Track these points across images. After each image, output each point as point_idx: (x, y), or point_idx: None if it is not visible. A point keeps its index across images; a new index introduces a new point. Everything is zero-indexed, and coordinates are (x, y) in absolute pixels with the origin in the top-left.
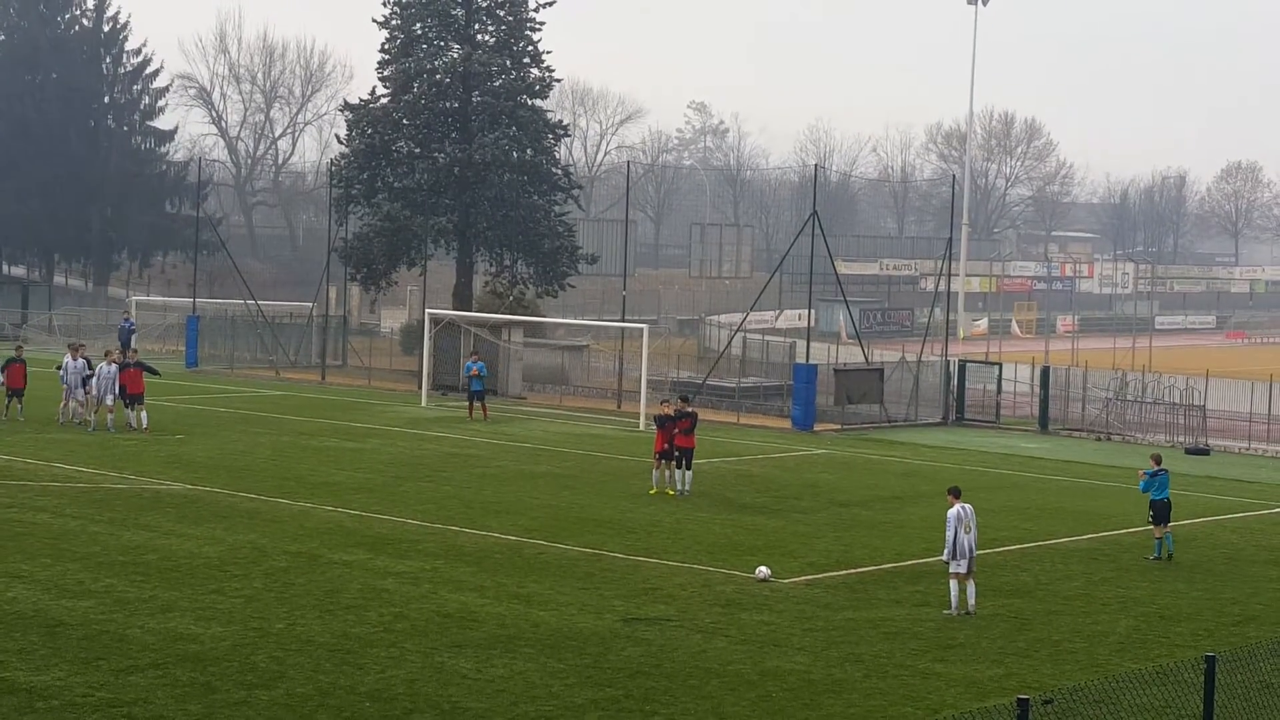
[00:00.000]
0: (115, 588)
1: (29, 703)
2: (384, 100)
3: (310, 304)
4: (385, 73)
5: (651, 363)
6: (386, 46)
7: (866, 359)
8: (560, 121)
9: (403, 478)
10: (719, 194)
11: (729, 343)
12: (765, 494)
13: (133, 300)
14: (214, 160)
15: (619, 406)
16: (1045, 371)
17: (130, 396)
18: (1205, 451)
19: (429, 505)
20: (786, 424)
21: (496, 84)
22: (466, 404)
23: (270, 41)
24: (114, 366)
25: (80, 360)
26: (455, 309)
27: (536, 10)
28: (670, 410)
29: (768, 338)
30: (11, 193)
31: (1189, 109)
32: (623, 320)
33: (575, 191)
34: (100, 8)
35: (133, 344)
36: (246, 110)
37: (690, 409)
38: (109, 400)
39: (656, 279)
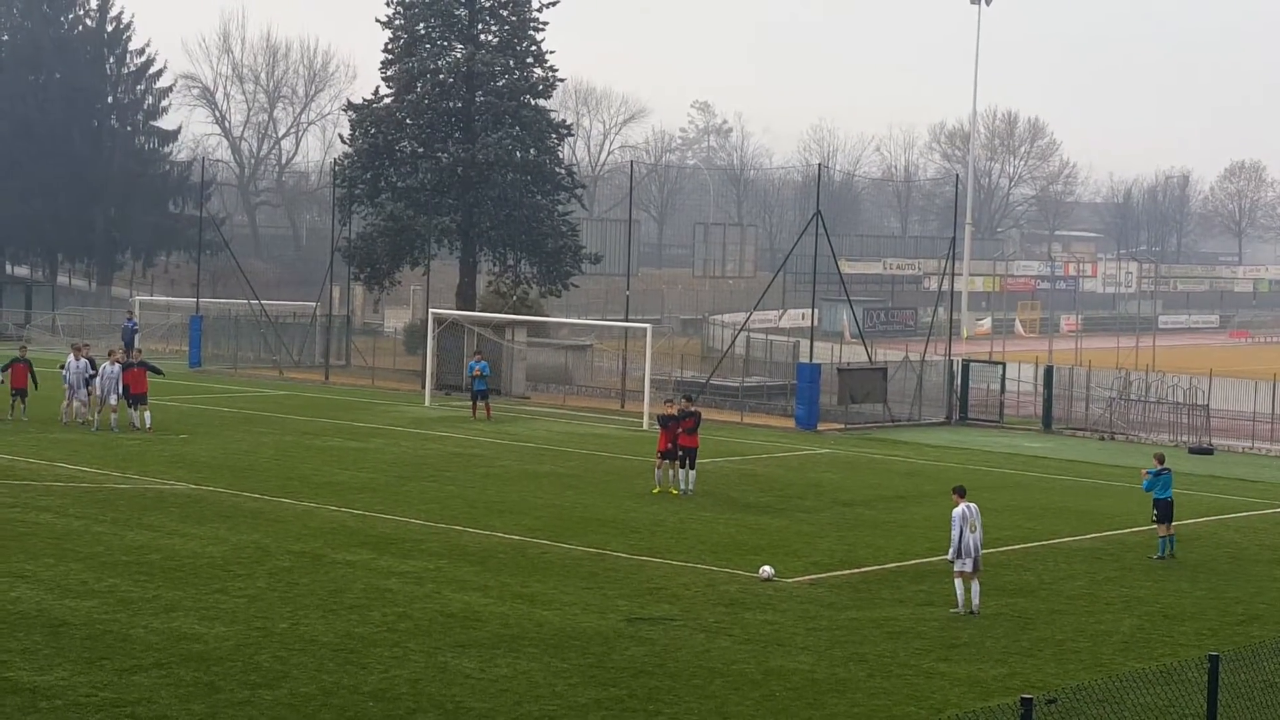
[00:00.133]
0: (119, 587)
1: (32, 702)
2: (387, 100)
3: (314, 304)
4: (389, 72)
5: (655, 362)
6: (390, 46)
7: (870, 358)
8: (563, 121)
9: (406, 477)
10: (722, 193)
11: (732, 342)
12: (769, 493)
13: (136, 300)
14: (217, 160)
15: (622, 406)
16: (1049, 371)
17: (133, 396)
18: (1209, 451)
19: (432, 505)
20: (790, 423)
21: (500, 84)
22: (470, 404)
23: (274, 41)
24: (117, 366)
25: (83, 360)
26: (459, 309)
27: (540, 10)
28: (674, 410)
29: (771, 337)
30: (15, 193)
31: (1192, 108)
32: (626, 320)
33: (579, 191)
34: (104, 8)
35: (136, 344)
36: (250, 110)
37: (694, 408)
38: (112, 400)
39: (660, 279)
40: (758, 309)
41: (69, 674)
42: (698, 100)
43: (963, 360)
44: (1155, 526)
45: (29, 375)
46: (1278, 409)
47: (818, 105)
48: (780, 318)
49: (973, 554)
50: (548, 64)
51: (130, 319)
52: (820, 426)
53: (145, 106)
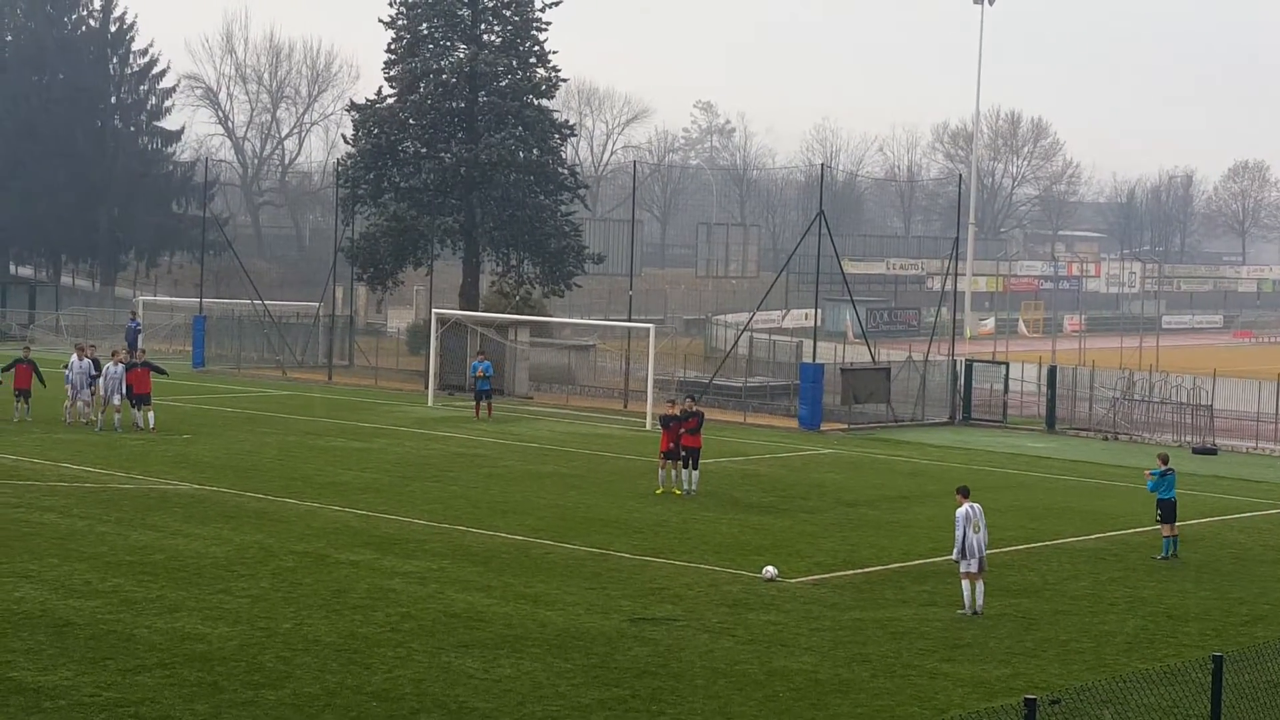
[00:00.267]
0: (122, 588)
1: (36, 702)
2: (390, 100)
3: (317, 304)
4: (392, 73)
5: (658, 362)
6: (393, 46)
7: (873, 358)
8: (566, 121)
9: (410, 478)
10: (725, 193)
11: (735, 342)
12: (772, 494)
13: (140, 300)
14: (220, 160)
15: (625, 406)
16: (1052, 371)
17: (137, 396)
18: (1212, 451)
19: (436, 505)
20: (793, 423)
21: (503, 84)
22: (473, 404)
23: (277, 42)
24: (121, 366)
25: (87, 360)
26: (462, 309)
27: (543, 10)
28: (676, 410)
29: (774, 337)
30: (18, 193)
31: (1196, 108)
32: (629, 320)
33: (582, 191)
34: (107, 8)
35: (140, 344)
36: (253, 110)
37: (696, 409)
38: (116, 400)
39: (663, 278)
40: (761, 309)
41: (73, 674)
42: (700, 100)
43: (966, 360)
44: (1159, 527)
45: (33, 375)
46: None
47: (821, 105)
48: (783, 318)
49: (977, 554)
50: (550, 64)
51: (134, 319)
52: (823, 427)
53: (149, 107)
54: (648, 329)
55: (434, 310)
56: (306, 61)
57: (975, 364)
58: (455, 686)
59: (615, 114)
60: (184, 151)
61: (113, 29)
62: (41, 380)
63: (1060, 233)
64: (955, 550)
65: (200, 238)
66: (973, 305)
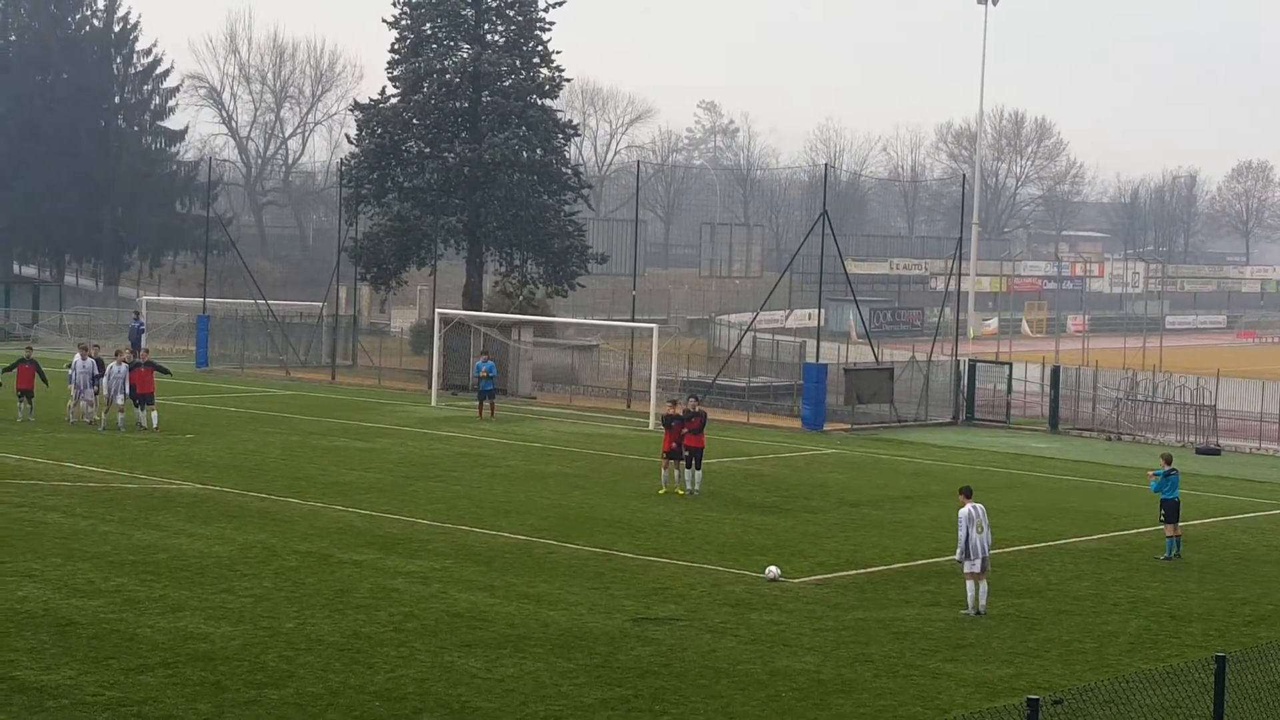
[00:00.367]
0: (125, 587)
1: (39, 701)
2: (394, 100)
3: (320, 304)
4: (395, 73)
5: (661, 362)
6: (396, 46)
7: (876, 359)
8: (570, 121)
9: (413, 477)
10: (729, 193)
11: (739, 342)
12: (775, 494)
13: (143, 300)
14: (224, 160)
15: (629, 406)
16: (1055, 371)
17: (140, 396)
18: (1216, 451)
19: (439, 505)
20: (796, 423)
21: (506, 84)
22: (476, 404)
23: (280, 41)
24: (124, 366)
25: (90, 360)
26: (465, 309)
27: (546, 10)
28: (679, 410)
29: (778, 337)
30: (22, 193)
31: (1199, 108)
32: (633, 320)
33: (585, 191)
34: (110, 8)
35: (143, 344)
36: (256, 110)
37: (699, 408)
38: (119, 400)
39: (666, 278)
40: (764, 309)
41: (75, 673)
42: (704, 100)
43: (969, 360)
44: (1163, 527)
45: (36, 375)
46: None
47: (824, 105)
48: (786, 318)
49: (980, 554)
50: (554, 64)
51: (137, 319)
52: (826, 427)
53: (152, 106)
54: (651, 329)
55: (437, 310)
56: (310, 61)
57: (979, 364)
58: (458, 686)
59: (619, 114)
60: (188, 151)
61: (116, 29)
62: (44, 379)
63: (1064, 233)
64: (958, 550)
65: (204, 237)
66: (976, 305)
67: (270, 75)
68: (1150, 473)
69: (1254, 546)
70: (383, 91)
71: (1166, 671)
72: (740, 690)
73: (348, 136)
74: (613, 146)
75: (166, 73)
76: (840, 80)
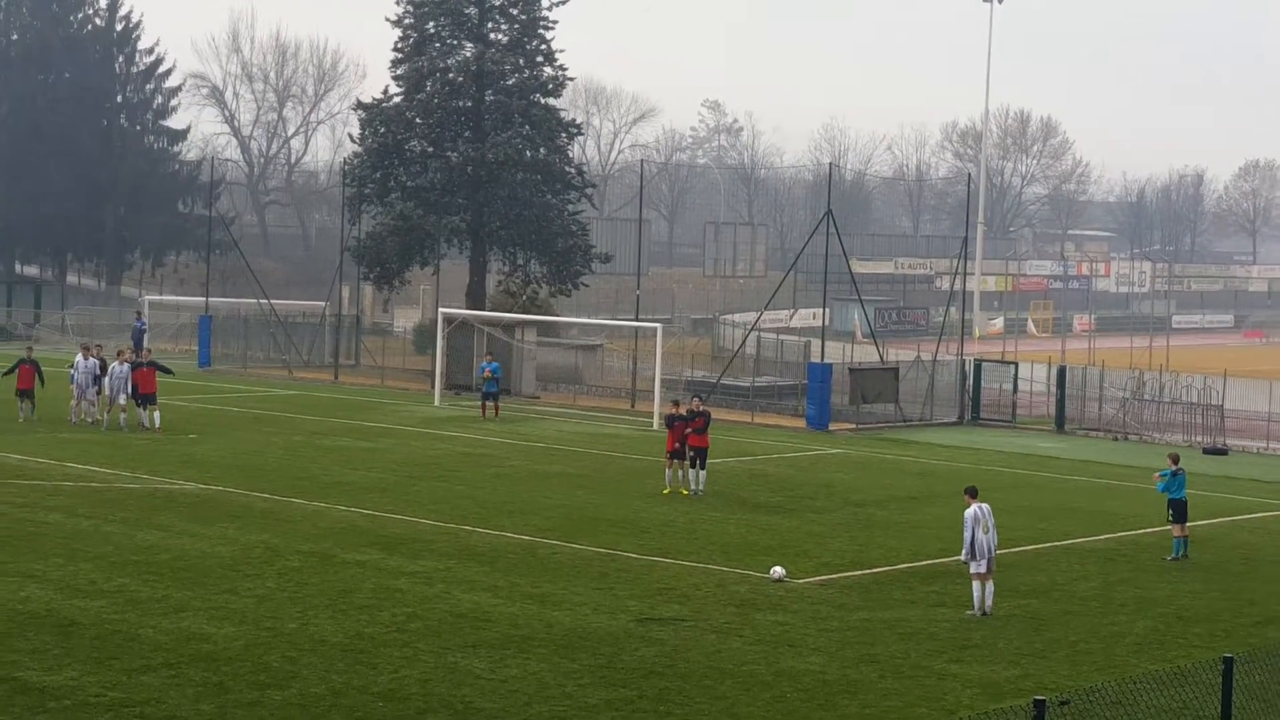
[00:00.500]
0: (128, 587)
1: (41, 702)
2: (397, 99)
3: (323, 303)
4: (398, 71)
5: (665, 362)
6: (399, 45)
7: (881, 358)
8: (573, 120)
9: (416, 477)
10: (733, 193)
11: (743, 342)
12: (780, 494)
13: (145, 300)
14: (227, 159)
15: (633, 406)
16: (1061, 371)
17: (143, 396)
18: (1223, 451)
19: (442, 505)
20: (801, 423)
21: (509, 83)
22: (479, 404)
23: (283, 40)
24: (126, 366)
25: (92, 360)
26: (468, 308)
27: (549, 9)
28: (682, 410)
29: (782, 337)
30: (24, 192)
31: (1206, 107)
32: (637, 319)
33: (589, 190)
34: (113, 7)
35: (145, 344)
36: (259, 109)
37: (703, 408)
38: (121, 400)
39: (670, 278)
40: (769, 308)
41: (78, 674)
42: (708, 99)
43: (975, 360)
44: (1170, 527)
45: (35, 375)
46: None
47: (829, 104)
48: (791, 317)
49: (986, 555)
50: (557, 63)
51: (139, 319)
52: (831, 426)
53: (154, 106)
54: (655, 328)
55: (440, 310)
56: (313, 60)
57: (984, 364)
58: (462, 687)
59: (622, 113)
60: (190, 151)
61: (118, 28)
62: (41, 380)
63: (1070, 232)
64: (964, 551)
65: (206, 237)
66: (982, 305)
67: (273, 74)
68: (1156, 474)
69: (1261, 547)
70: (385, 90)
71: (1173, 672)
72: (745, 691)
73: (350, 136)
74: (616, 146)
75: (169, 72)
76: (845, 79)
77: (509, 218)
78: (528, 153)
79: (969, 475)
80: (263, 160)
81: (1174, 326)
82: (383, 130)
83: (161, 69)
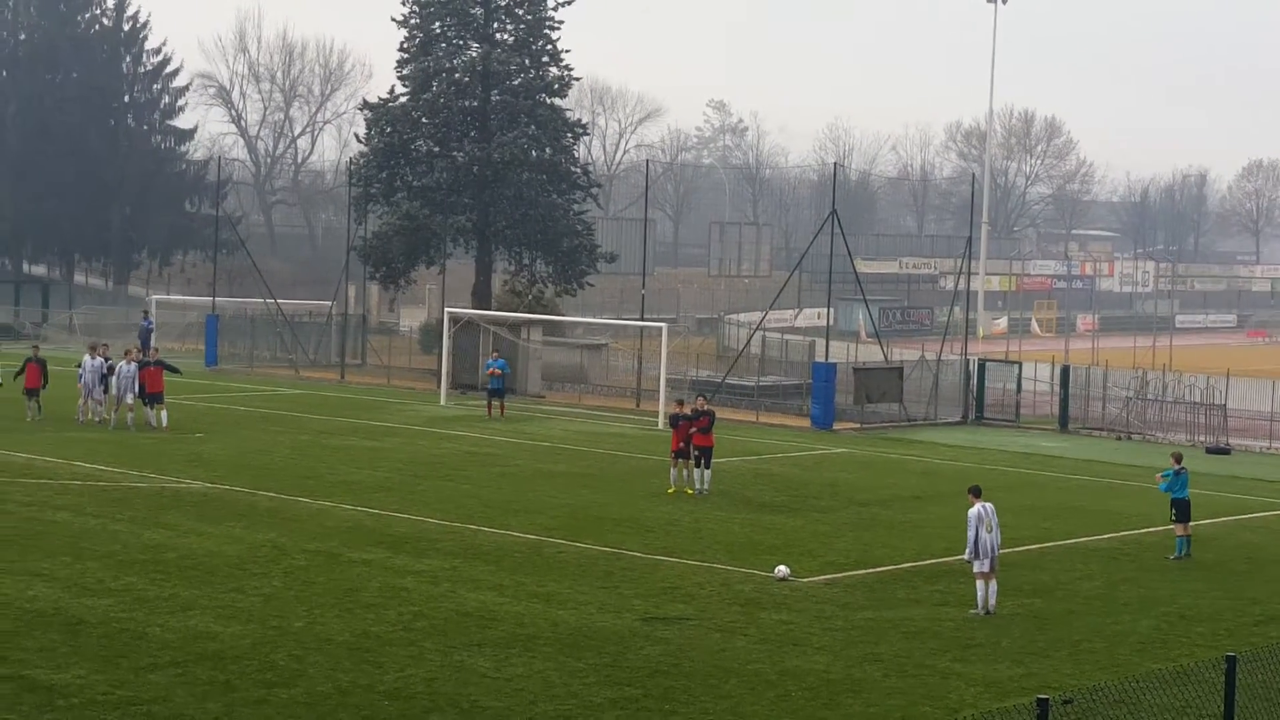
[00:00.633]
0: (135, 586)
1: (49, 700)
2: (403, 99)
3: (329, 303)
4: (404, 71)
5: (670, 361)
6: (405, 45)
7: (886, 358)
8: (579, 120)
9: (422, 476)
10: (738, 193)
11: (748, 341)
12: (784, 493)
13: (152, 299)
14: (233, 159)
15: (638, 405)
16: (1065, 370)
17: (150, 395)
18: (1226, 451)
19: (448, 504)
20: (806, 423)
21: (515, 83)
22: (485, 403)
23: (290, 40)
24: (134, 365)
25: (99, 359)
26: (474, 308)
27: (555, 9)
28: (687, 409)
29: (787, 336)
30: (32, 192)
31: (1209, 107)
32: (642, 319)
33: (594, 190)
34: (120, 7)
35: (152, 343)
36: (266, 109)
37: (708, 407)
38: (129, 399)
39: (675, 278)
40: (773, 308)
41: (86, 672)
42: (713, 99)
43: (979, 360)
44: (1173, 526)
45: (42, 374)
46: None
47: (833, 104)
48: (796, 317)
49: (990, 554)
50: (563, 63)
51: (146, 318)
52: (836, 426)
53: (162, 106)
54: (660, 328)
55: (446, 309)
56: (319, 60)
57: (988, 363)
58: (467, 685)
59: (628, 113)
60: (197, 150)
61: (126, 28)
62: (45, 378)
63: (1074, 232)
64: (968, 550)
65: (213, 237)
66: (986, 304)
67: (279, 74)
68: (1158, 475)
69: (1264, 546)
70: (392, 90)
71: (1176, 671)
72: (750, 690)
73: (357, 135)
74: (622, 145)
75: (176, 72)
76: (849, 79)
77: (515, 217)
78: (533, 152)
79: (973, 475)
80: (269, 160)
81: (1177, 326)
82: (389, 130)
83: (169, 69)
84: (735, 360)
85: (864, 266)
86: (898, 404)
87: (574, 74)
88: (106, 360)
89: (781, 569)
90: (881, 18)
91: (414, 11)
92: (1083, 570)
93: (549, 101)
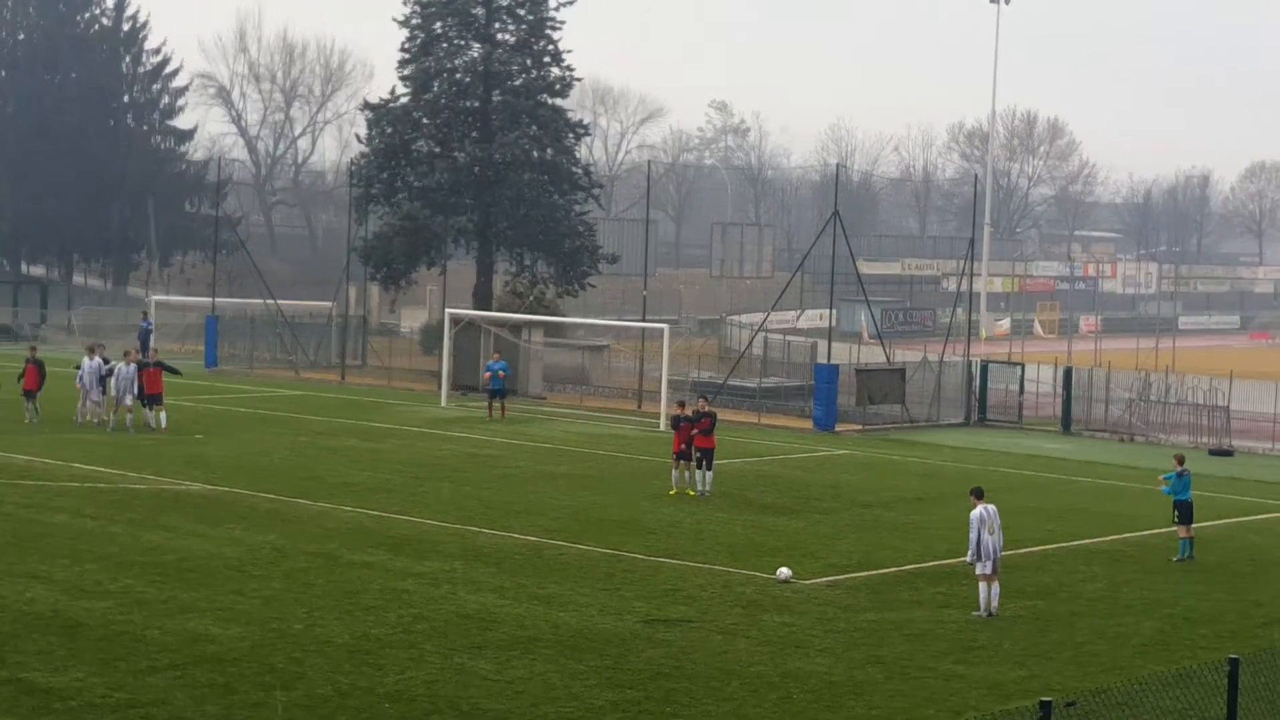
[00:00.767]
0: (134, 588)
1: (47, 704)
2: (404, 99)
3: (330, 304)
4: (405, 72)
5: (672, 363)
6: (406, 45)
7: (888, 359)
8: (580, 121)
9: (422, 478)
10: (740, 193)
11: (750, 343)
12: (786, 495)
13: (152, 300)
14: (233, 159)
15: (639, 407)
16: (1068, 372)
17: (149, 397)
18: (1229, 453)
19: (449, 506)
20: (808, 424)
21: (517, 83)
22: (486, 404)
23: (290, 40)
24: (133, 366)
25: (97, 360)
26: (475, 309)
27: (557, 9)
28: (688, 411)
29: (789, 338)
30: (31, 192)
31: (1212, 108)
32: (643, 320)
33: (596, 191)
34: (120, 7)
35: (152, 344)
36: (266, 109)
37: (709, 409)
38: (128, 400)
39: (677, 279)
40: (775, 309)
41: (84, 675)
42: (715, 100)
43: (981, 361)
44: (1176, 528)
45: (39, 375)
46: None
47: (836, 105)
48: (798, 318)
49: (992, 556)
50: (565, 63)
51: (146, 319)
52: (838, 427)
53: (161, 106)
54: (662, 329)
55: (447, 310)
56: (320, 60)
57: (991, 365)
58: (468, 688)
59: (629, 113)
60: (197, 151)
61: (125, 28)
62: (42, 378)
63: (1076, 233)
64: (970, 552)
65: (213, 237)
66: (988, 306)
67: (280, 74)
68: (1160, 477)
69: (1267, 548)
70: (393, 91)
71: (1179, 673)
72: (752, 692)
73: (357, 136)
74: (623, 146)
75: (176, 72)
76: (851, 80)
77: (516, 218)
78: (535, 153)
79: (975, 476)
80: (270, 160)
81: (1180, 328)
82: (390, 130)
83: (168, 69)
84: (737, 361)
85: (866, 268)
86: (900, 405)
87: (575, 74)
88: (106, 361)
89: (783, 571)
90: (883, 18)
91: (415, 11)
92: (1085, 572)
93: (550, 102)
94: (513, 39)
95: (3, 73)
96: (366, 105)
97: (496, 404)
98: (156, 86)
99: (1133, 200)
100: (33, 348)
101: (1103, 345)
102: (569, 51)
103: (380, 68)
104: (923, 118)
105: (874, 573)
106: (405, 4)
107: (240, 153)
